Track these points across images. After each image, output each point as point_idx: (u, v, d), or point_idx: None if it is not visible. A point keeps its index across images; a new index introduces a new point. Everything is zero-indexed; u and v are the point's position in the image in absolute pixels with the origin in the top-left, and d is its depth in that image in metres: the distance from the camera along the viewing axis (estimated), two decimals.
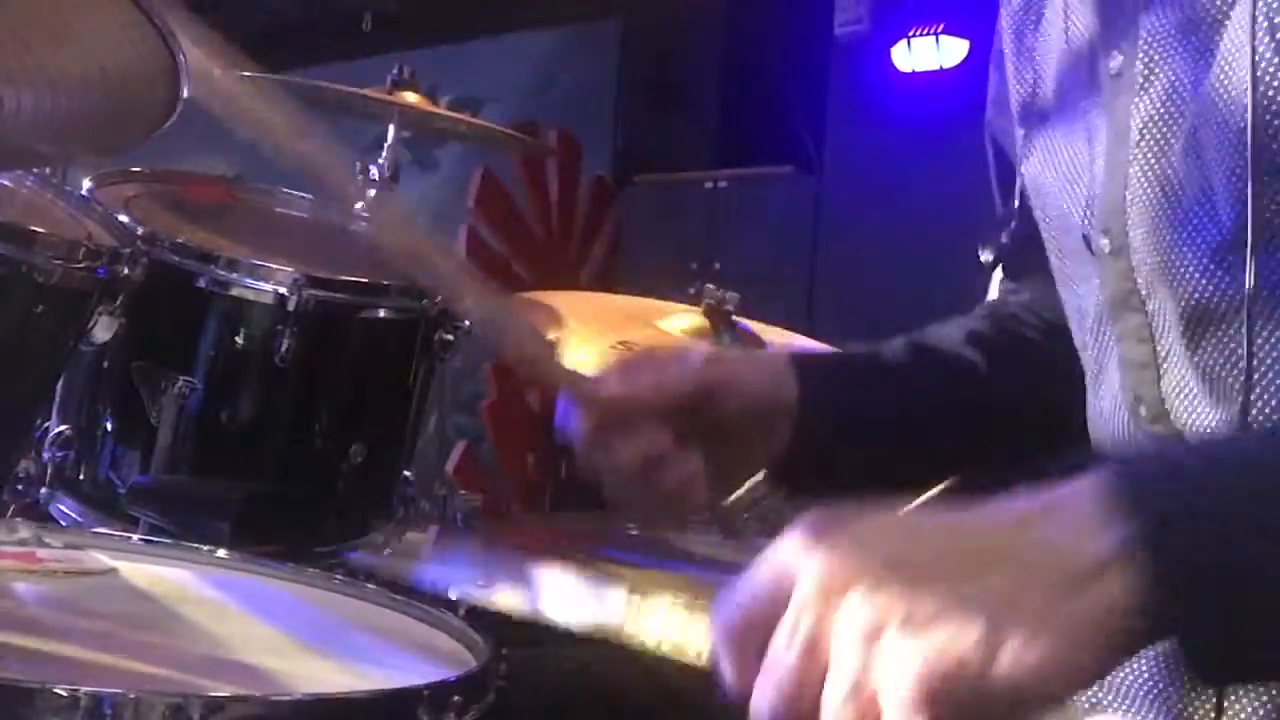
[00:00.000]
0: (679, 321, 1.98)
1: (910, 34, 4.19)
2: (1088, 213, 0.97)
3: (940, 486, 1.09)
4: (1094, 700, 0.95)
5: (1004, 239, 1.12)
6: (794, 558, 0.66)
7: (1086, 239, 0.97)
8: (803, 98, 4.47)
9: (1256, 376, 0.84)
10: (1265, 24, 0.82)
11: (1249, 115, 0.82)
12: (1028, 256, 1.13)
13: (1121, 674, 0.93)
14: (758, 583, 0.67)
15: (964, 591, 0.61)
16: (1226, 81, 0.84)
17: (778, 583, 0.66)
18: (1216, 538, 0.62)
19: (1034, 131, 1.05)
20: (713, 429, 1.07)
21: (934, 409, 1.17)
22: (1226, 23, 0.85)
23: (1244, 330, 0.84)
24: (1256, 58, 0.82)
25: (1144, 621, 0.61)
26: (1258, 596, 0.63)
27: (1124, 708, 0.93)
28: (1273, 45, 0.82)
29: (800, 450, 1.09)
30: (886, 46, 4.25)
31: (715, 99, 4.64)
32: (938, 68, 4.14)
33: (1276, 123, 0.81)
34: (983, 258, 1.16)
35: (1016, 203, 1.11)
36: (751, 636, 0.66)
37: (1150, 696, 0.91)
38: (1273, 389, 0.84)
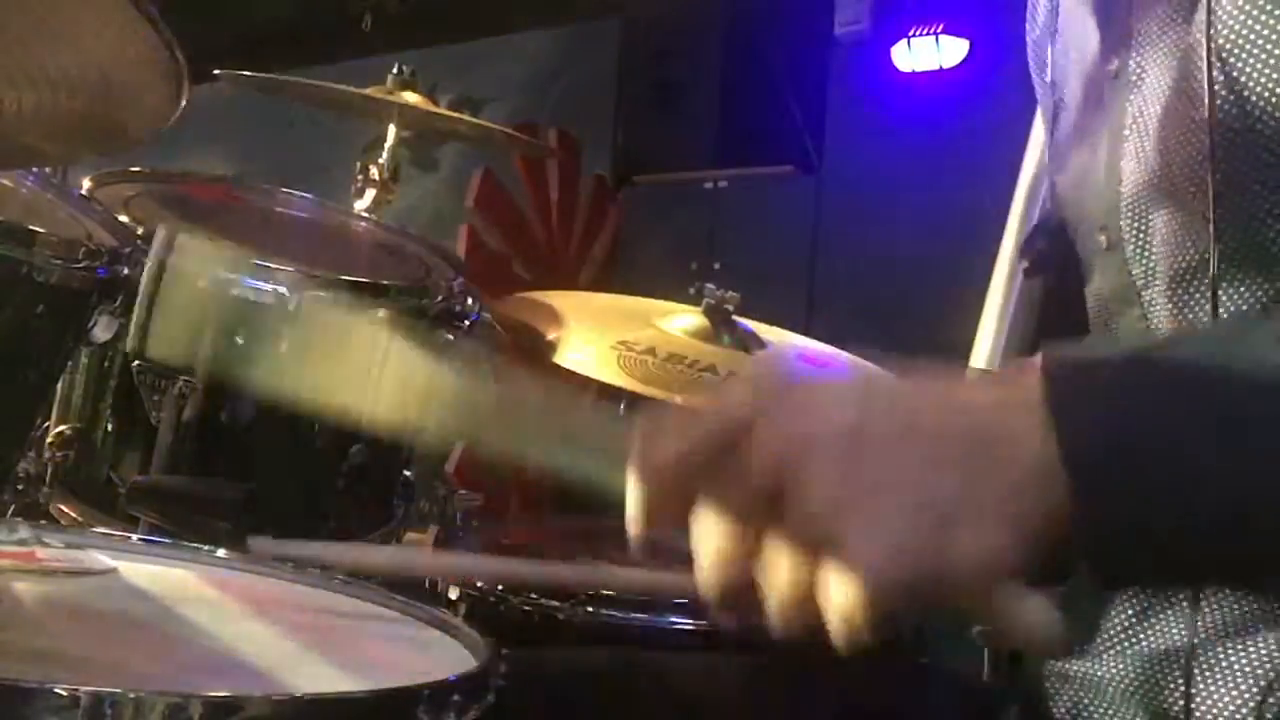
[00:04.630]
0: (679, 321, 1.99)
1: (910, 34, 4.19)
2: (1093, 211, 0.99)
3: None
4: (1076, 700, 0.97)
5: (1039, 246, 1.14)
6: (746, 410, 0.66)
7: (1092, 236, 0.99)
8: (803, 98, 4.47)
9: None
10: (1220, 12, 0.85)
11: (1206, 102, 0.85)
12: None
13: (1101, 672, 0.95)
14: (702, 424, 0.66)
15: (917, 490, 0.64)
16: (1191, 72, 0.87)
17: (724, 431, 0.66)
18: (1132, 459, 0.65)
19: (1059, 141, 1.08)
20: None
21: None
22: (1196, 11, 0.87)
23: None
24: (1211, 45, 0.85)
25: (1066, 527, 0.65)
26: (1164, 505, 0.65)
27: (1102, 707, 0.95)
28: (1227, 34, 0.84)
29: None
30: (886, 46, 4.25)
31: (715, 99, 4.63)
32: (938, 68, 4.14)
33: (1230, 111, 0.84)
34: (1021, 265, 1.19)
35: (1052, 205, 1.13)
36: (682, 475, 0.66)
37: (1126, 694, 0.93)
38: None
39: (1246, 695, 0.87)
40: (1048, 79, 1.10)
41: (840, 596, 0.63)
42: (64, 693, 0.77)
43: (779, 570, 0.65)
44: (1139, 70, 0.94)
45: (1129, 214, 0.94)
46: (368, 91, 2.33)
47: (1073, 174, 1.04)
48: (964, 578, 0.64)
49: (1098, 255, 0.99)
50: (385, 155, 2.28)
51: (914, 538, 0.63)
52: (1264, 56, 0.83)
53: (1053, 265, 1.08)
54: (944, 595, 0.65)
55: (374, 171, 2.26)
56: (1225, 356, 0.68)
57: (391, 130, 2.31)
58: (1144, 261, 0.94)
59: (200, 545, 1.25)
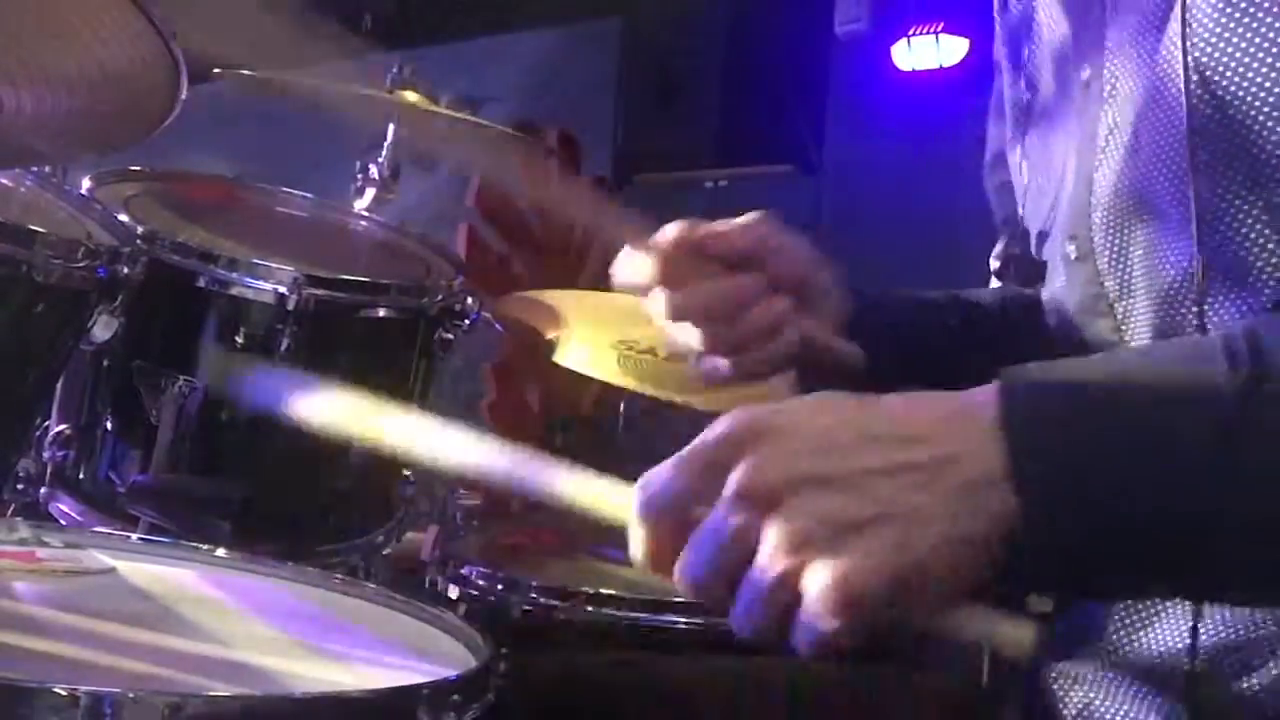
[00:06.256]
0: None
1: (910, 33, 4.19)
2: (1056, 217, 0.98)
3: None
4: (1086, 702, 0.97)
5: (1011, 247, 1.13)
6: (724, 453, 0.71)
7: (1057, 243, 0.99)
8: (803, 97, 4.47)
9: None
10: (1195, 25, 0.84)
11: (1185, 114, 0.84)
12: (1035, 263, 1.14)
13: (1113, 673, 0.95)
14: (686, 469, 0.73)
15: (878, 504, 0.69)
16: (1167, 83, 0.86)
17: (705, 473, 0.72)
18: (1078, 470, 0.70)
19: (1025, 137, 1.07)
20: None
21: (964, 346, 1.21)
22: (1168, 24, 0.86)
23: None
24: (1188, 59, 0.84)
25: (1018, 533, 0.69)
26: (1102, 519, 0.69)
27: (1114, 708, 0.95)
28: (1203, 46, 0.84)
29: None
30: (886, 46, 4.25)
31: (715, 99, 4.64)
32: (938, 66, 4.14)
33: (1209, 124, 0.84)
34: (993, 265, 1.18)
35: (1021, 209, 1.12)
36: (671, 516, 0.73)
37: (1138, 695, 0.94)
38: None
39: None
40: (1024, 74, 1.08)
41: (813, 604, 0.68)
42: (64, 693, 0.77)
43: (756, 581, 0.70)
44: (1112, 80, 0.93)
45: (1103, 226, 0.93)
46: (368, 91, 2.33)
47: (1037, 178, 1.03)
48: (927, 587, 0.69)
49: (1064, 264, 0.98)
50: (385, 155, 2.29)
51: (880, 552, 0.68)
52: (1242, 68, 0.82)
53: (1023, 270, 1.09)
54: (912, 605, 0.70)
55: (374, 171, 2.26)
56: (1166, 379, 0.72)
57: (391, 130, 2.31)
58: (1119, 274, 0.93)
59: (200, 545, 1.25)
